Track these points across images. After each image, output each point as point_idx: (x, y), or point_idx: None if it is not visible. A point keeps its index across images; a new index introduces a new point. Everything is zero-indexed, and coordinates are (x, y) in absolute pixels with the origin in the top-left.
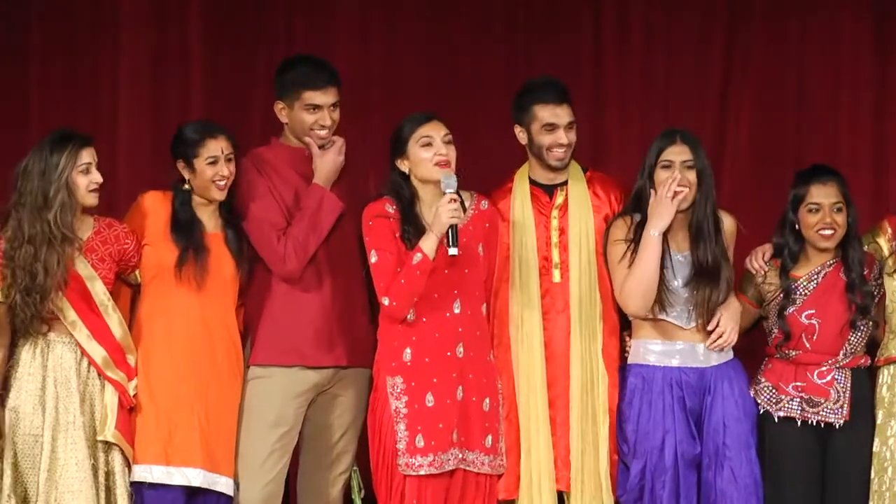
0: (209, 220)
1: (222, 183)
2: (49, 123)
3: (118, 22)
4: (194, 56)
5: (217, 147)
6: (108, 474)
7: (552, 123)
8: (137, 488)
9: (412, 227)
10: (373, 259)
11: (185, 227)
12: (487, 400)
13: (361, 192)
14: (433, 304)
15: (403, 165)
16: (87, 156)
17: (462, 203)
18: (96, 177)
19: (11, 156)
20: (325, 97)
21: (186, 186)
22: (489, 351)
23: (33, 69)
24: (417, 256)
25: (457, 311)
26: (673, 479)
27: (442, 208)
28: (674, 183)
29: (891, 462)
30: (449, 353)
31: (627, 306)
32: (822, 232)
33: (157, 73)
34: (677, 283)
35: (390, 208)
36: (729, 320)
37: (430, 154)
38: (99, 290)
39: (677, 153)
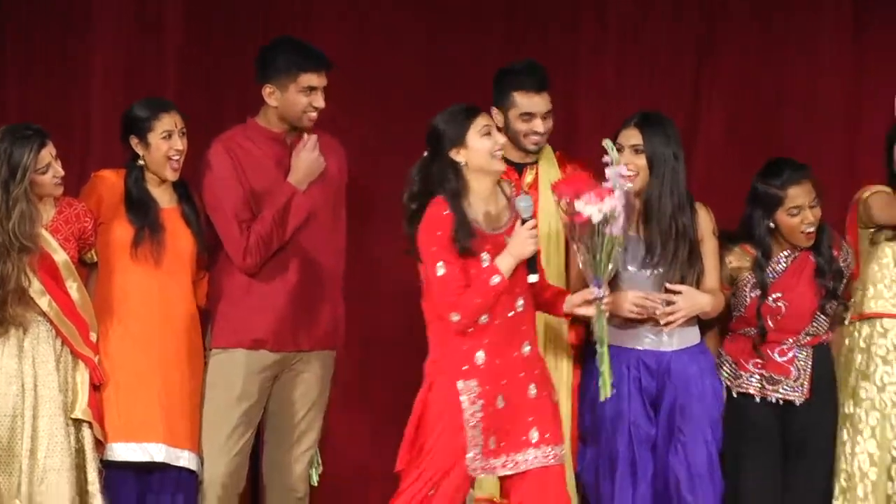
0: (163, 195)
1: (177, 158)
2: (26, 114)
3: (93, 10)
4: (169, 51)
5: (171, 121)
6: (79, 451)
7: (530, 112)
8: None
9: (463, 229)
10: (440, 272)
11: (139, 206)
12: (551, 391)
13: (341, 188)
14: (503, 305)
15: (459, 156)
16: (46, 156)
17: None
18: (58, 171)
19: None
20: (321, 80)
21: (140, 162)
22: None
23: (8, 59)
24: (496, 279)
25: (519, 308)
26: (627, 460)
27: (526, 239)
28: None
29: (865, 423)
30: (516, 354)
31: None
32: (807, 231)
33: (132, 65)
34: (632, 268)
35: (446, 211)
36: (684, 304)
37: (490, 143)
38: (65, 268)
39: (627, 137)
